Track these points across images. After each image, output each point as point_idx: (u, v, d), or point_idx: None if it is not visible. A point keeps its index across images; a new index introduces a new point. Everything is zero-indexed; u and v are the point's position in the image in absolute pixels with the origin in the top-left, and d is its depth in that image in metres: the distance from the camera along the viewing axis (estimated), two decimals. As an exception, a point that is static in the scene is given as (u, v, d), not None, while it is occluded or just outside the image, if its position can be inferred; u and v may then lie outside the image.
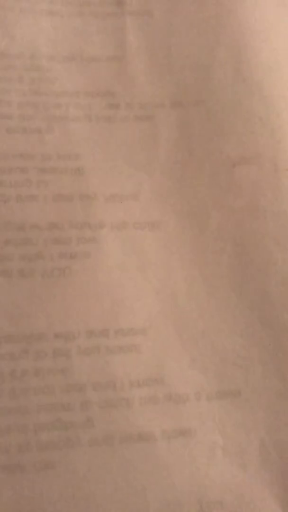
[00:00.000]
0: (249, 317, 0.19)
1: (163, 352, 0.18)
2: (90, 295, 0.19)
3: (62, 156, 0.20)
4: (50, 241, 0.19)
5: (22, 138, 0.20)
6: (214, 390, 0.18)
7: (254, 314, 0.19)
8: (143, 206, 0.20)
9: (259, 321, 0.19)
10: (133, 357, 0.18)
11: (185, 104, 0.22)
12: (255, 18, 0.23)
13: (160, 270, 0.19)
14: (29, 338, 0.18)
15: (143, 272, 0.19)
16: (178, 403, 0.18)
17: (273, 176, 0.21)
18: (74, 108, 0.21)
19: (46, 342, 0.18)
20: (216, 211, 0.20)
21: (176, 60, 0.22)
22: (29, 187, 0.19)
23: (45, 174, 0.20)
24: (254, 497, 0.18)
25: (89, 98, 0.21)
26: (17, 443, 0.17)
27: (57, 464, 0.17)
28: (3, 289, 0.18)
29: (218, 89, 0.22)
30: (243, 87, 0.22)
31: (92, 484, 0.17)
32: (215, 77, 0.22)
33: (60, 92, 0.21)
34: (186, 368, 0.18)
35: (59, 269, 0.19)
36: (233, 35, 0.22)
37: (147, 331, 0.19)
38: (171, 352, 0.18)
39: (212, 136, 0.21)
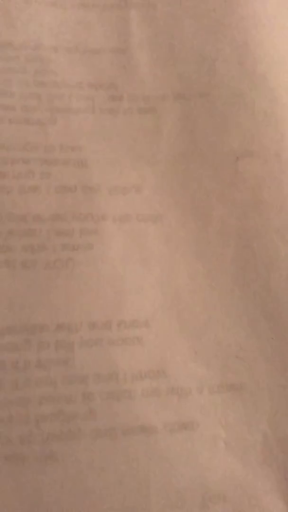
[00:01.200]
0: (252, 310, 0.19)
1: (166, 345, 0.18)
2: (93, 287, 0.18)
3: (65, 148, 0.20)
4: (53, 232, 0.19)
5: (25, 129, 0.20)
6: (216, 383, 0.18)
7: (257, 307, 0.19)
8: (146, 198, 0.20)
9: (262, 314, 0.19)
10: (136, 350, 0.18)
11: (189, 97, 0.21)
12: (259, 11, 0.22)
13: (162, 262, 0.19)
14: (31, 329, 0.18)
15: (145, 265, 0.19)
16: (180, 395, 0.18)
17: (277, 170, 0.21)
18: (77, 100, 0.21)
19: (48, 333, 0.18)
20: (219, 204, 0.20)
21: (179, 52, 0.22)
22: (32, 179, 0.19)
23: (48, 165, 0.20)
24: (256, 491, 0.17)
25: (92, 90, 0.21)
26: (19, 434, 0.17)
27: (59, 455, 0.17)
28: (6, 280, 0.18)
29: (222, 82, 0.22)
30: (247, 80, 0.22)
31: (94, 476, 0.17)
32: (219, 70, 0.22)
33: (63, 84, 0.21)
34: (188, 361, 0.18)
35: (62, 260, 0.19)
36: (237, 28, 0.22)
37: (149, 323, 0.18)
38: (174, 345, 0.18)
39: (216, 129, 0.21)
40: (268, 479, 0.18)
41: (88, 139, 0.20)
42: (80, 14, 0.22)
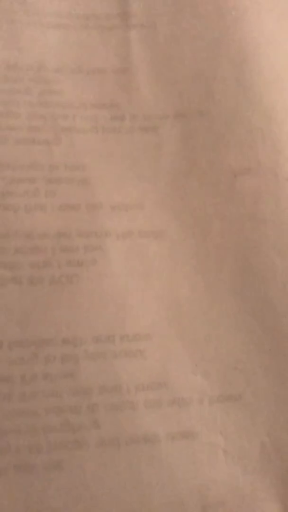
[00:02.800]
0: (250, 323, 0.20)
1: (167, 357, 0.19)
2: (97, 302, 0.19)
3: (69, 167, 0.21)
4: (58, 249, 0.20)
5: (30, 149, 0.21)
6: (216, 394, 0.19)
7: (255, 320, 0.20)
8: (147, 215, 0.21)
9: (260, 327, 0.20)
10: (138, 362, 0.19)
11: (188, 116, 0.22)
12: (257, 31, 0.23)
13: (164, 277, 0.20)
14: (38, 343, 0.18)
15: (147, 279, 0.20)
16: (181, 406, 0.19)
17: (273, 186, 0.21)
18: (81, 120, 0.22)
19: (54, 347, 0.18)
20: (218, 220, 0.21)
21: (179, 72, 0.23)
22: (38, 197, 0.20)
23: (53, 184, 0.20)
24: (255, 498, 0.18)
25: (95, 110, 0.22)
26: (27, 444, 0.17)
27: (65, 464, 0.17)
28: (13, 296, 0.19)
29: (220, 101, 0.22)
30: (244, 99, 0.22)
31: (99, 483, 0.17)
32: (217, 89, 0.22)
33: (67, 104, 0.22)
34: (189, 373, 0.19)
35: (67, 276, 0.19)
36: (235, 47, 0.23)
37: (151, 336, 0.19)
38: (175, 357, 0.19)
39: (214, 146, 0.22)
40: (266, 487, 0.18)
41: (92, 158, 0.21)
42: (83, 35, 0.23)
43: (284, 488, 0.18)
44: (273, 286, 0.20)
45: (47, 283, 0.19)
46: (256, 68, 0.23)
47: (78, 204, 0.20)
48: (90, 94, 0.22)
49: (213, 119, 0.22)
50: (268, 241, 0.21)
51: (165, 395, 0.19)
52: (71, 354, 0.18)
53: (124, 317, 0.19)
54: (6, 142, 0.21)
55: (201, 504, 0.18)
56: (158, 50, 0.23)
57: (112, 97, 0.22)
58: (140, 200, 0.21)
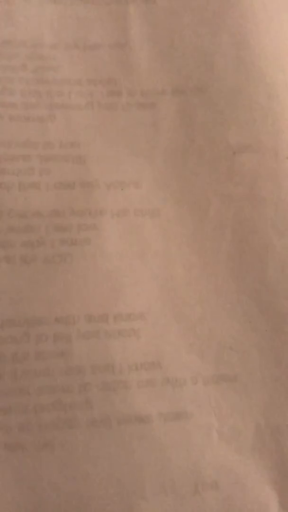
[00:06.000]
0: (247, 303, 0.19)
1: (161, 337, 0.19)
2: (90, 281, 0.19)
3: (64, 144, 0.20)
4: (51, 228, 0.19)
5: (25, 126, 0.20)
6: (210, 374, 0.19)
7: (252, 300, 0.19)
8: (143, 193, 0.20)
9: (257, 307, 0.19)
10: (132, 342, 0.19)
11: (187, 92, 0.22)
12: (257, 6, 0.23)
13: (159, 256, 0.20)
14: (30, 322, 0.18)
15: (142, 259, 0.20)
16: (175, 386, 0.18)
17: (273, 164, 0.21)
18: (76, 96, 0.21)
19: (47, 326, 0.18)
20: (216, 198, 0.21)
21: (178, 47, 0.22)
22: (32, 175, 0.20)
23: (48, 162, 0.20)
24: (248, 479, 0.18)
25: (91, 86, 0.21)
26: (18, 423, 0.17)
27: (56, 443, 0.17)
28: (6, 275, 0.19)
29: (220, 77, 0.22)
30: (245, 75, 0.22)
31: (90, 463, 0.17)
32: (217, 65, 0.22)
33: (63, 80, 0.21)
34: (183, 353, 0.19)
35: (60, 255, 0.19)
36: (235, 23, 0.22)
37: (145, 316, 0.19)
38: (169, 337, 0.19)
39: (213, 123, 0.21)
40: (260, 468, 0.18)
41: (87, 135, 0.21)
42: (80, 10, 0.23)
43: (278, 469, 0.18)
44: (271, 266, 0.20)
45: (40, 262, 0.19)
46: (257, 44, 0.22)
47: (73, 182, 0.20)
48: (86, 69, 0.22)
49: (213, 95, 0.22)
50: (267, 220, 0.20)
51: (159, 375, 0.18)
52: (64, 333, 0.18)
53: (118, 296, 0.19)
54: (0, 119, 0.20)
55: (193, 485, 0.18)
56: (157, 25, 0.23)
57: (109, 72, 0.22)
58: (136, 178, 0.21)
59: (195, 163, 0.21)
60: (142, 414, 0.18)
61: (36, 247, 0.19)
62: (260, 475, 0.18)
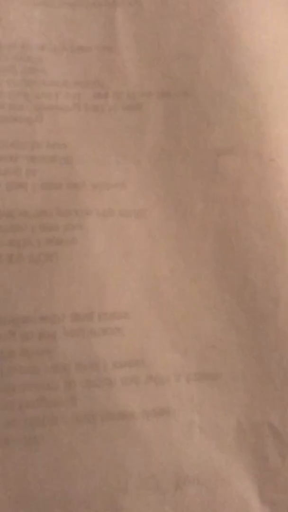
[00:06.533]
0: (229, 302, 0.20)
1: (145, 335, 0.19)
2: (76, 280, 0.19)
3: (51, 145, 0.21)
4: (38, 227, 0.20)
5: (12, 127, 0.21)
6: (193, 372, 0.19)
7: (234, 300, 0.20)
8: (129, 194, 0.21)
9: (239, 306, 0.20)
10: (116, 340, 0.19)
11: (173, 94, 0.22)
12: (243, 10, 0.23)
13: (144, 256, 0.20)
14: (16, 320, 0.19)
15: (127, 258, 0.20)
16: (158, 383, 0.19)
17: (257, 166, 0.21)
18: (64, 98, 0.21)
19: (32, 324, 0.19)
20: (200, 200, 0.21)
21: (164, 50, 0.23)
22: (19, 175, 0.20)
23: (34, 162, 0.20)
24: (229, 475, 0.18)
25: (78, 88, 0.22)
26: (4, 419, 0.18)
27: (41, 439, 0.18)
28: (-9, 273, 0.19)
29: (205, 80, 0.22)
30: (229, 79, 0.22)
31: (75, 459, 0.18)
32: (203, 68, 0.22)
33: (50, 82, 0.22)
34: (166, 351, 0.19)
35: (46, 254, 0.19)
36: (221, 26, 0.23)
37: (130, 315, 0.19)
38: (153, 335, 0.19)
39: (198, 126, 0.22)
40: (241, 464, 0.18)
41: (74, 136, 0.21)
42: (68, 12, 0.23)
43: (258, 465, 0.19)
44: (253, 267, 0.20)
45: (26, 262, 0.19)
46: (242, 48, 0.23)
47: (60, 183, 0.20)
48: (73, 71, 0.22)
49: (198, 98, 0.22)
50: (250, 222, 0.21)
51: (142, 372, 0.19)
52: (49, 331, 0.19)
53: (103, 295, 0.19)
54: (-12, 120, 0.21)
55: (175, 480, 0.18)
56: (143, 28, 0.23)
57: (96, 75, 0.22)
58: (122, 179, 0.21)
59: (180, 165, 0.21)
60: (126, 410, 0.18)
61: (22, 246, 0.19)
62: (241, 471, 0.18)
